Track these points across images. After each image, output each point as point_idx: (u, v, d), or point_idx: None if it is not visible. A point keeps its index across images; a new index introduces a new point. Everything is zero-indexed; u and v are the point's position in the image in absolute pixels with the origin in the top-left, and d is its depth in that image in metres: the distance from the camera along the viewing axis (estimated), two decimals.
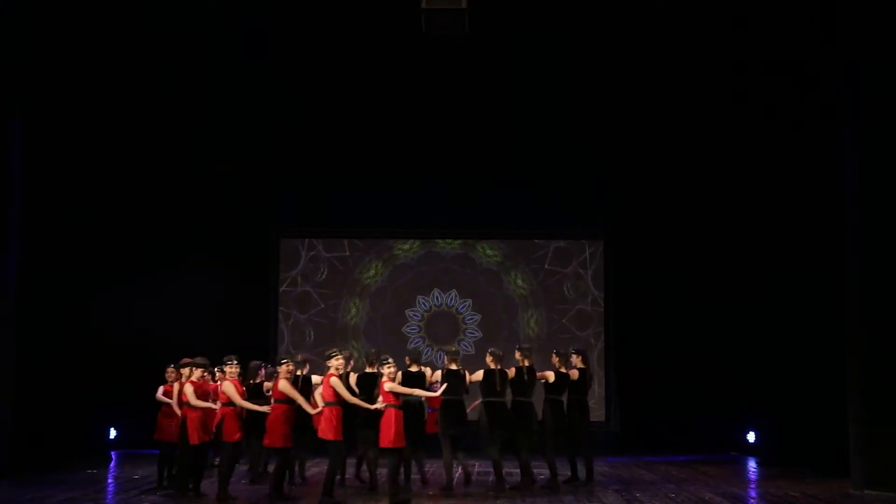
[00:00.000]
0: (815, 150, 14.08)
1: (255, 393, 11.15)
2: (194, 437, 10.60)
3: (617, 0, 14.11)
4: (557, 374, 11.78)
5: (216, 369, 11.18)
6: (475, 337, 17.45)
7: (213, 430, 10.72)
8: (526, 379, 11.50)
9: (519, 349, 11.77)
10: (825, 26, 12.89)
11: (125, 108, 15.51)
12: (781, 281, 15.13)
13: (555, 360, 11.88)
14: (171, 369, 11.75)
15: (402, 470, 10.81)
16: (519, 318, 17.56)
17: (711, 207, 16.25)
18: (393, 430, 10.22)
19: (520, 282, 17.63)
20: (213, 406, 10.67)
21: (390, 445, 10.27)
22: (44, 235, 14.21)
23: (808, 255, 14.35)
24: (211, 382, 11.04)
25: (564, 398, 11.81)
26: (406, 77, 15.62)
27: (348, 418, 10.45)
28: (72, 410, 15.03)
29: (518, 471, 11.68)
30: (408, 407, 10.71)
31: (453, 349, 11.86)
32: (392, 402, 10.30)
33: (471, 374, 11.42)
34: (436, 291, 17.65)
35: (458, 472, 11.83)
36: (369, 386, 10.92)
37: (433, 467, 12.64)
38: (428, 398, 11.06)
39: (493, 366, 11.39)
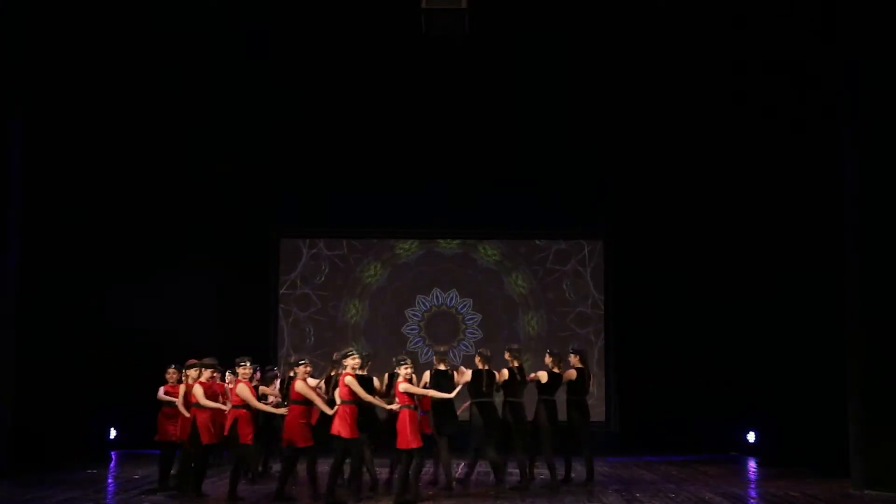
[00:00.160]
0: (815, 150, 14.08)
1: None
2: (206, 438, 10.63)
3: (617, 0, 14.12)
4: (550, 374, 11.75)
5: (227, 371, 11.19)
6: (475, 337, 17.44)
7: (224, 431, 10.73)
8: (518, 379, 11.49)
9: (508, 350, 11.73)
10: (825, 26, 12.89)
11: (125, 108, 15.49)
12: (781, 281, 15.13)
13: (548, 359, 11.86)
14: (172, 370, 11.76)
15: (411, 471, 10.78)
16: (519, 318, 17.56)
17: (711, 207, 16.25)
18: (408, 430, 10.21)
19: (520, 282, 17.63)
20: (222, 407, 10.69)
21: (406, 446, 10.25)
22: (44, 235, 14.20)
23: (808, 255, 14.35)
24: (218, 383, 11.06)
25: (557, 398, 11.77)
26: (406, 77, 15.62)
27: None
28: (72, 410, 15.00)
29: (518, 471, 11.65)
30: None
31: (442, 349, 11.84)
32: (407, 403, 10.31)
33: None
34: (436, 291, 17.64)
35: (459, 470, 11.82)
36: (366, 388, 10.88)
37: (430, 468, 12.62)
38: (422, 398, 11.02)
39: (480, 366, 11.35)
